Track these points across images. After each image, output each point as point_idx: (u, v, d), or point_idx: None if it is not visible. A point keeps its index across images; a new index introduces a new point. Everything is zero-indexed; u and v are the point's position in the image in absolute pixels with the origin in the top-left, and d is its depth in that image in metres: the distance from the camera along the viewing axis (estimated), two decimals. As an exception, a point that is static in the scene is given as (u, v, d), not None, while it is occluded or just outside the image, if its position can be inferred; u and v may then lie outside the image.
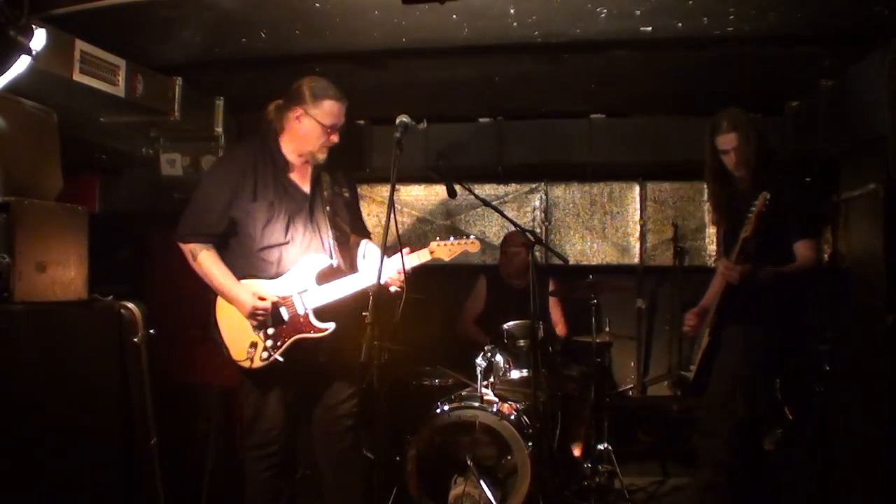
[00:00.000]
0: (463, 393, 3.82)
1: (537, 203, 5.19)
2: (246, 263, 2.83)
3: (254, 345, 2.78)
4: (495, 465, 3.59)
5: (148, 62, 3.37)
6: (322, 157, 2.85)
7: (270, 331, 2.79)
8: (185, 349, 4.43)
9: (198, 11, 2.89)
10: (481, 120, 4.71)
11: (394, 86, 3.86)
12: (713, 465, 3.00)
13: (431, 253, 2.88)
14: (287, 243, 2.82)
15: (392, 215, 2.47)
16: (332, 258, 2.87)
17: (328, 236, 2.88)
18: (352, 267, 2.96)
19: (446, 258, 2.90)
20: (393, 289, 2.81)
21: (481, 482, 3.44)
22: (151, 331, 2.90)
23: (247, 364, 2.78)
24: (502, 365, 3.88)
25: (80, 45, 2.93)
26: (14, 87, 2.63)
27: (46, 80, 2.80)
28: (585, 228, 5.18)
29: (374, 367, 2.53)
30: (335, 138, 2.83)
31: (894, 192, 3.14)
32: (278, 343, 2.79)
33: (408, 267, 2.74)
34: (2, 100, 2.60)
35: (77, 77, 2.93)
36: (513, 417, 3.59)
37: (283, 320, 2.80)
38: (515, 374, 3.84)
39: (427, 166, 4.48)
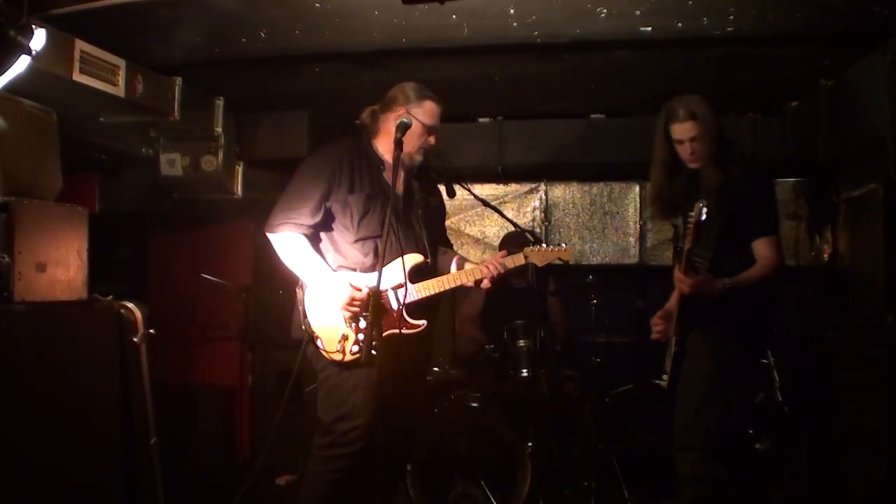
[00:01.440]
0: (463, 393, 3.82)
1: (537, 203, 5.19)
2: (340, 256, 2.84)
3: (345, 337, 2.77)
4: (495, 465, 3.59)
5: (148, 62, 3.37)
6: (419, 158, 2.90)
7: (363, 324, 2.77)
8: (185, 349, 4.44)
9: (198, 11, 2.89)
10: (481, 120, 4.71)
11: (394, 86, 3.85)
12: (695, 480, 2.80)
13: (526, 257, 2.93)
14: (382, 237, 2.80)
15: (392, 215, 2.49)
16: (427, 257, 2.89)
17: (423, 236, 2.91)
18: (440, 270, 2.97)
19: (539, 263, 2.96)
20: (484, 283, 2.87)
21: (481, 482, 3.44)
22: (151, 331, 2.89)
23: (338, 357, 2.76)
24: (502, 365, 3.88)
25: (80, 45, 2.93)
26: (14, 87, 2.63)
27: (46, 80, 2.80)
28: (585, 228, 5.18)
29: (374, 367, 2.54)
30: (433, 140, 2.90)
31: (894, 192, 3.14)
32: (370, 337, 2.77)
33: (502, 269, 2.86)
34: (2, 100, 2.60)
35: (77, 77, 2.93)
36: (513, 417, 3.59)
37: (376, 314, 2.73)
38: (515, 375, 3.84)
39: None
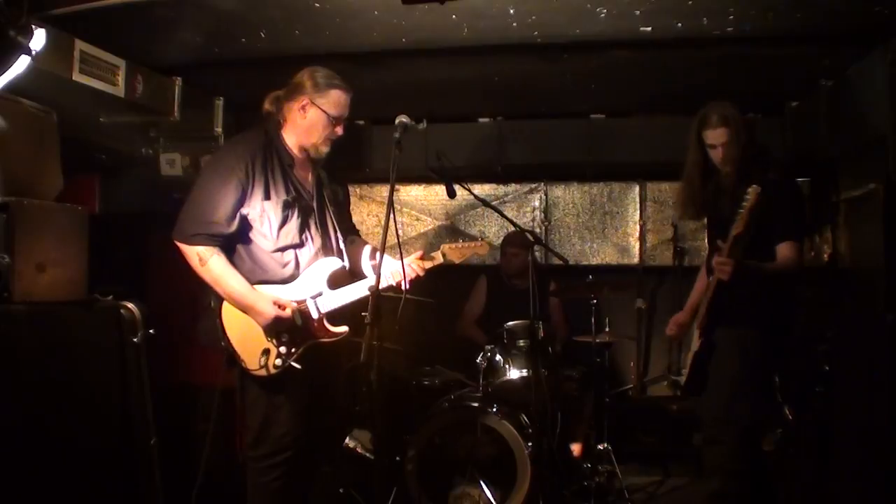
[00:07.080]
0: (463, 393, 3.82)
1: (537, 203, 5.19)
2: (257, 267, 2.69)
3: (266, 351, 2.65)
4: (495, 465, 3.59)
5: (148, 62, 3.37)
6: (325, 150, 2.75)
7: (284, 337, 2.66)
8: (185, 349, 4.43)
9: (197, 12, 2.89)
10: (481, 120, 4.71)
11: (394, 86, 3.86)
12: (722, 473, 2.94)
13: (444, 255, 2.87)
14: (302, 245, 2.72)
15: (392, 215, 2.44)
16: (343, 260, 2.81)
17: (338, 238, 2.83)
18: (355, 267, 2.89)
19: (457, 260, 2.89)
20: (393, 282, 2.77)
21: (481, 482, 3.44)
22: (151, 331, 2.88)
23: (262, 373, 2.65)
24: (502, 365, 3.88)
25: (80, 45, 2.93)
26: (14, 87, 2.63)
27: (46, 80, 2.79)
28: (585, 228, 5.18)
29: (374, 367, 2.53)
30: (340, 130, 2.75)
31: (894, 192, 3.14)
32: (292, 350, 2.67)
33: (421, 271, 2.78)
34: (2, 100, 2.60)
35: (77, 77, 2.92)
36: (513, 417, 3.59)
37: (297, 326, 2.68)
38: (515, 375, 3.84)
39: (427, 166, 4.48)
